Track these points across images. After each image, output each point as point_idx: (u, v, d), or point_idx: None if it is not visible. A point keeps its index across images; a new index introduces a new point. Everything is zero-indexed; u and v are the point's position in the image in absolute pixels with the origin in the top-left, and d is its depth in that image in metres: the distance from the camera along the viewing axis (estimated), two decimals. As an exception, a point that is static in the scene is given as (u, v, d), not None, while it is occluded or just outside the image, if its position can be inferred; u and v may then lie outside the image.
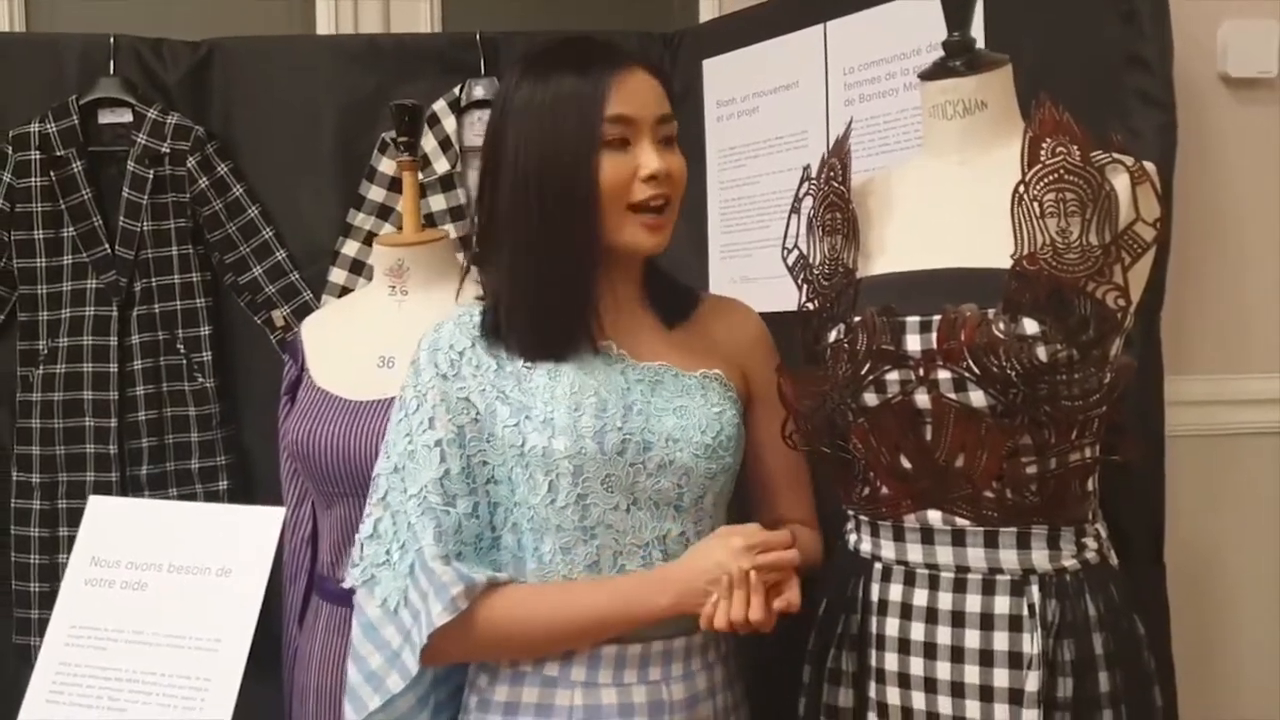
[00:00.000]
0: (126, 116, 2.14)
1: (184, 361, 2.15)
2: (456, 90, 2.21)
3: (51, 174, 2.12)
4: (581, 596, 1.23)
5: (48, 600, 2.05)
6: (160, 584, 1.65)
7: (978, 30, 1.40)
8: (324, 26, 2.48)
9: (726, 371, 1.34)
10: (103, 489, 2.07)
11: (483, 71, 2.21)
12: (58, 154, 2.12)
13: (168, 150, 2.13)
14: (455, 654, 1.25)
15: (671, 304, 1.36)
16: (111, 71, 2.15)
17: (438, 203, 2.18)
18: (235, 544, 1.58)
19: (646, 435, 1.25)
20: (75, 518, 2.01)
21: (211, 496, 2.14)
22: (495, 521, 1.27)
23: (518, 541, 1.27)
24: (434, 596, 1.20)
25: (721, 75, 2.13)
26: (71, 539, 1.93)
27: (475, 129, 2.22)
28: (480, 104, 2.21)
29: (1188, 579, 1.71)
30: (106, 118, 2.16)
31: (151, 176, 2.13)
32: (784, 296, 1.52)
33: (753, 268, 2.06)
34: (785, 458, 1.38)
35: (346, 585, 1.28)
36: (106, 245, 2.13)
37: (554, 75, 1.24)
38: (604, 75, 1.23)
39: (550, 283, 1.25)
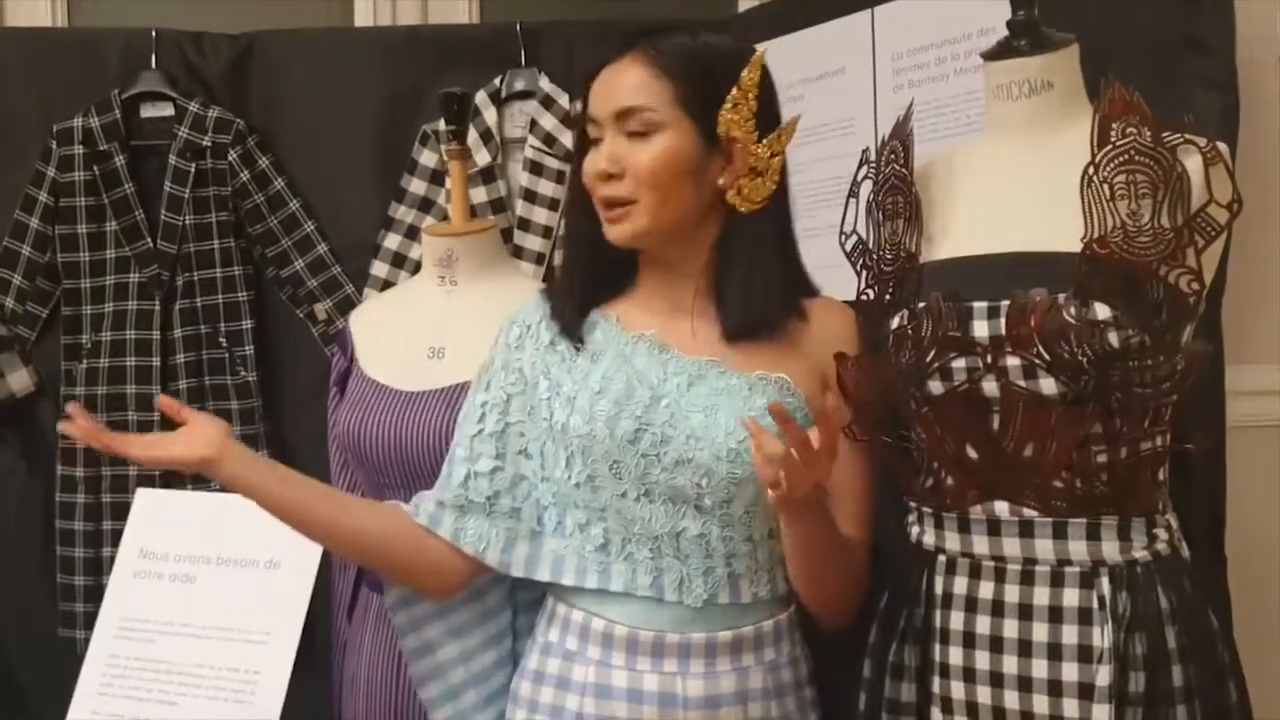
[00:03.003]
0: (168, 110, 2.15)
1: (226, 355, 2.15)
2: (497, 81, 2.20)
3: (95, 168, 2.12)
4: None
5: (93, 594, 2.06)
6: (209, 576, 1.65)
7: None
8: (362, 19, 2.48)
9: (798, 377, 1.28)
10: (145, 483, 2.07)
11: (523, 63, 2.20)
12: (101, 148, 2.12)
13: (209, 143, 2.13)
14: None
15: (734, 316, 1.28)
16: (153, 65, 2.16)
17: (478, 195, 2.17)
18: (284, 536, 1.55)
19: (667, 429, 1.24)
20: (119, 511, 2.02)
21: (254, 490, 2.13)
22: (517, 493, 1.32)
23: (537, 517, 1.32)
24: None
25: (765, 63, 2.10)
26: (115, 533, 1.95)
27: (516, 120, 2.21)
28: (521, 95, 2.20)
29: (1248, 571, 1.68)
30: (148, 112, 2.17)
31: (193, 170, 2.13)
32: (831, 286, 1.49)
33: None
34: (853, 470, 1.31)
35: None
36: (149, 239, 2.13)
37: None
38: (591, 75, 1.29)
39: (567, 269, 1.36)
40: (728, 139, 1.26)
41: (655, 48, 1.26)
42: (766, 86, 1.29)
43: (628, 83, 1.25)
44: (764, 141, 1.28)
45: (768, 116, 1.29)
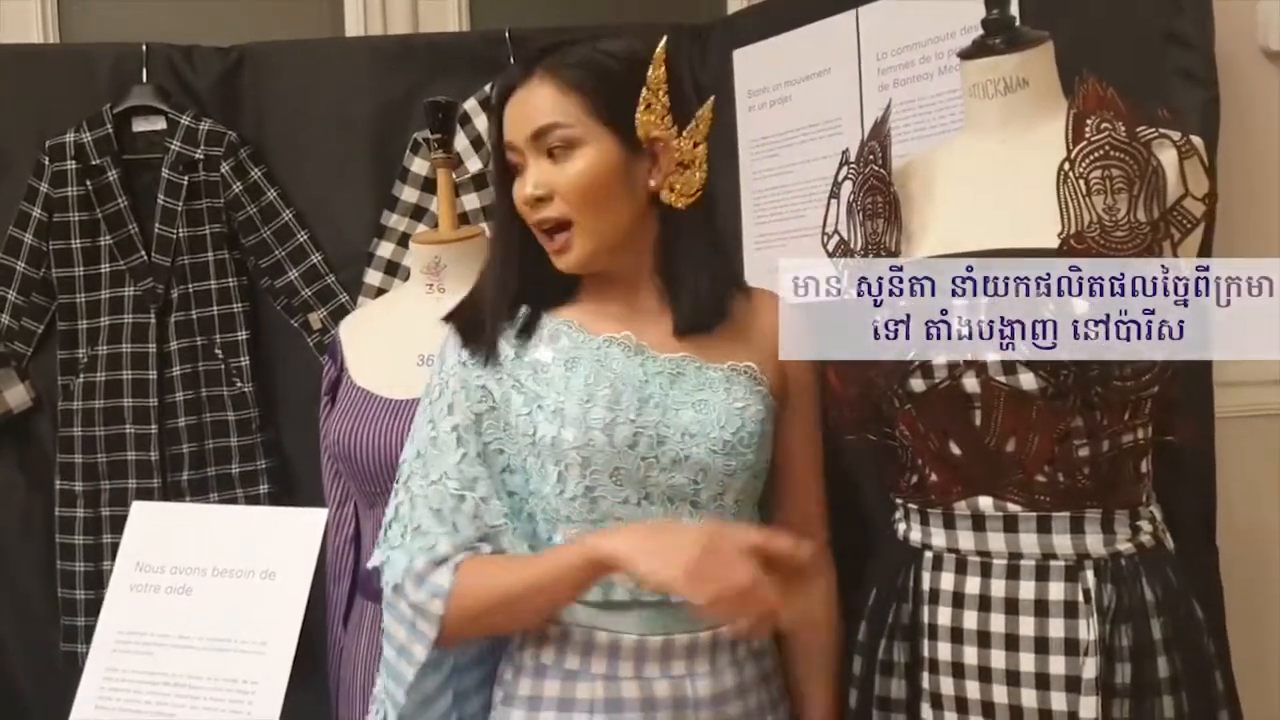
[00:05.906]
0: (160, 124, 2.15)
1: (222, 366, 2.16)
2: (487, 88, 2.19)
3: (87, 183, 2.13)
4: (528, 561, 1.23)
5: (93, 607, 2.06)
6: (205, 588, 1.65)
7: (1013, 10, 1.38)
8: (353, 28, 2.48)
9: (761, 364, 1.30)
10: (144, 496, 2.08)
11: (512, 69, 2.20)
12: (93, 163, 2.13)
13: (201, 156, 2.14)
14: (456, 636, 1.23)
15: (689, 313, 1.29)
16: (144, 79, 2.16)
17: (470, 201, 2.17)
18: (279, 546, 1.58)
19: (662, 429, 1.23)
20: (118, 525, 2.02)
21: (252, 501, 2.14)
22: (512, 509, 1.26)
23: (533, 530, 1.27)
24: (420, 617, 1.21)
25: (752, 65, 2.11)
26: (115, 546, 1.95)
27: (506, 127, 2.22)
28: (510, 102, 2.20)
29: (1240, 561, 1.68)
30: (140, 126, 2.17)
31: (186, 183, 2.14)
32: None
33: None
34: (813, 451, 1.36)
35: (369, 565, 1.31)
36: (143, 252, 2.14)
37: None
38: (501, 103, 1.28)
39: (500, 285, 1.32)
40: (649, 140, 1.25)
41: (558, 63, 1.24)
42: (674, 80, 1.27)
43: (538, 103, 1.23)
44: (684, 134, 1.27)
45: (681, 109, 1.27)
